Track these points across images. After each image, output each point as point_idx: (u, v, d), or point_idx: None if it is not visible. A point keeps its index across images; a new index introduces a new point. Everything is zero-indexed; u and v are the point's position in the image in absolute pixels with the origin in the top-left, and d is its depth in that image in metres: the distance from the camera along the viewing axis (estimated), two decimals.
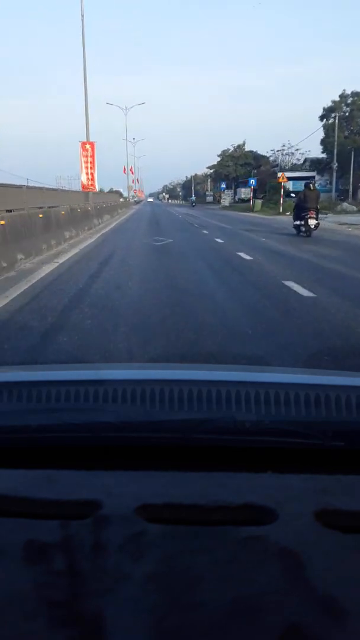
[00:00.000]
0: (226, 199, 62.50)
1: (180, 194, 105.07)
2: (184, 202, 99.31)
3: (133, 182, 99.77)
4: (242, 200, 52.76)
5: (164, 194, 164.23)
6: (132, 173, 70.96)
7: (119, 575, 0.57)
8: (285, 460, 0.80)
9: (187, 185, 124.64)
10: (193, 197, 72.94)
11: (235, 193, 67.25)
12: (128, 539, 0.62)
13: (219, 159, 71.46)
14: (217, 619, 0.52)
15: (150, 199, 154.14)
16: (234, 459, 0.81)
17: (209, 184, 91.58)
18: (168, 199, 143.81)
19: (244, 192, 50.60)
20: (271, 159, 60.16)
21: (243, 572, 0.58)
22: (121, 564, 0.59)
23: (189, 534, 0.63)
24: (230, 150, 70.45)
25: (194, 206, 61.52)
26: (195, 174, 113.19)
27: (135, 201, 77.57)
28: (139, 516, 0.65)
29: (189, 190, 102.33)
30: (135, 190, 71.03)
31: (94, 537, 0.63)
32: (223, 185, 67.51)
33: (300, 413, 0.85)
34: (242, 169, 65.41)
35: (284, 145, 56.66)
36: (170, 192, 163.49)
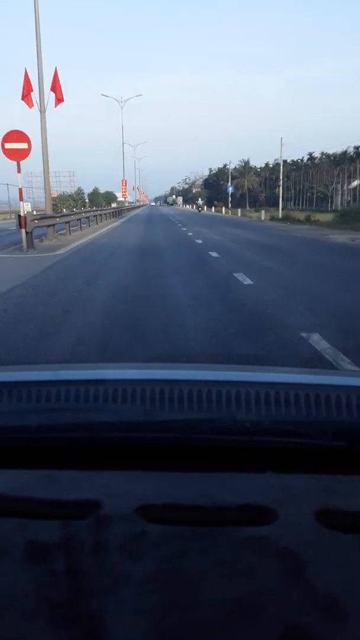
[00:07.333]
0: None
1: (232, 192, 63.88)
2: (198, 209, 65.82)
3: (134, 189, 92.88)
4: None
5: (173, 196, 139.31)
6: (124, 186, 61.34)
7: (119, 575, 0.57)
8: (285, 460, 0.80)
9: (211, 183, 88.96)
10: (200, 201, 57.83)
11: None
12: (128, 539, 0.62)
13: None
14: (217, 619, 0.52)
15: (153, 204, 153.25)
16: (234, 459, 0.81)
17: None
18: (176, 203, 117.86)
19: None
20: None
21: (243, 572, 0.58)
22: (121, 564, 0.59)
23: (189, 534, 0.63)
24: None
25: (200, 211, 51.97)
26: (225, 166, 76.83)
27: (114, 210, 43.14)
28: (139, 516, 0.65)
29: (216, 191, 71.16)
30: (124, 193, 63.08)
31: (94, 537, 0.63)
32: None
33: (300, 413, 0.85)
34: None
35: None
36: (185, 193, 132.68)
